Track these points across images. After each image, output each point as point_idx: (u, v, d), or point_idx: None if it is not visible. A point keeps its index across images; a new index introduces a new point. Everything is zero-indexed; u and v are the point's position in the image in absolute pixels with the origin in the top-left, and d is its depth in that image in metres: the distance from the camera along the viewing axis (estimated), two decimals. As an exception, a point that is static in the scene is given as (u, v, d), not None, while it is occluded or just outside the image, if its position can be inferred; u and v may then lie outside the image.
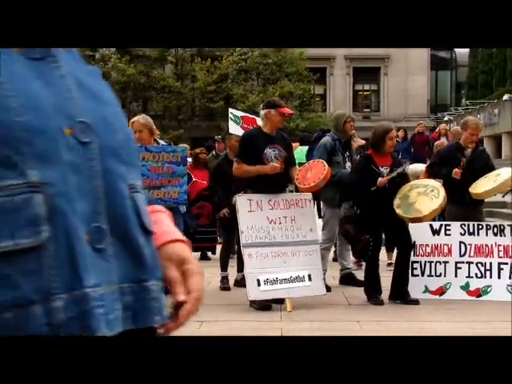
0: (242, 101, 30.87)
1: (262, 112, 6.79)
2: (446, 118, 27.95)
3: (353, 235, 6.96)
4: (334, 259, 9.08)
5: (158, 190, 6.41)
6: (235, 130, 8.33)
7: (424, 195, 6.64)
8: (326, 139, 7.49)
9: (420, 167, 9.49)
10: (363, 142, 9.16)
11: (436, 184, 6.85)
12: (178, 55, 33.23)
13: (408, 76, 34.37)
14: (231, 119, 8.60)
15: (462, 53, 35.03)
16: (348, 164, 7.54)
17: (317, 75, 33.09)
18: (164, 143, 6.93)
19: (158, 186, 6.41)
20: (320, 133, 8.09)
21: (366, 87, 35.99)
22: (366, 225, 6.78)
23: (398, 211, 6.56)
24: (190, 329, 5.07)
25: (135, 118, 6.49)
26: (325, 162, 6.77)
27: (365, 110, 35.00)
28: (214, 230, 9.92)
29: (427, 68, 34.81)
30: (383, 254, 7.69)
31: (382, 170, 6.74)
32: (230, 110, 9.05)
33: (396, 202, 6.61)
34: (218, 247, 10.15)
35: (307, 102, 31.71)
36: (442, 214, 7.67)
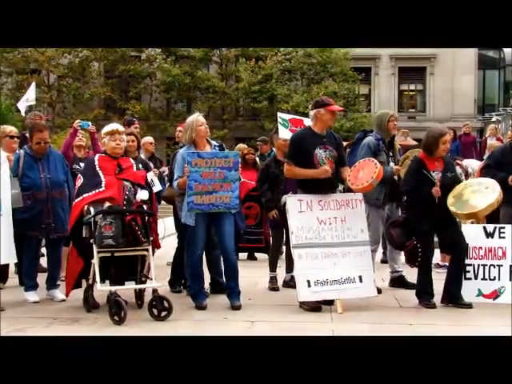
0: (286, 101, 30.83)
1: (312, 112, 6.75)
2: (494, 119, 27.42)
3: (396, 240, 6.87)
4: (383, 261, 8.99)
5: (209, 195, 6.43)
6: (284, 133, 8.29)
7: (479, 192, 6.53)
8: (369, 139, 7.41)
9: (475, 163, 9.37)
10: (415, 142, 9.04)
11: (491, 181, 6.71)
12: (223, 55, 33.34)
13: (455, 76, 33.81)
14: (280, 123, 8.56)
15: (511, 52, 34.31)
16: (392, 164, 7.44)
17: (361, 75, 32.85)
18: (216, 144, 6.94)
19: (210, 192, 6.44)
20: (362, 133, 7.99)
21: (412, 87, 35.51)
22: (413, 230, 6.68)
23: (452, 209, 6.45)
24: (240, 328, 5.06)
25: (197, 114, 6.87)
26: (376, 161, 6.68)
27: (410, 111, 34.57)
28: (260, 231, 9.91)
29: (475, 67, 34.18)
30: (437, 253, 7.54)
31: (433, 174, 6.62)
32: (279, 113, 9.00)
33: (450, 200, 6.50)
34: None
35: (352, 102, 31.50)
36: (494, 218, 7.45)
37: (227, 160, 6.55)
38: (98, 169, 6.36)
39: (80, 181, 6.39)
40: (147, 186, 6.67)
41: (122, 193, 6.28)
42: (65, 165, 7.20)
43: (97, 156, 6.61)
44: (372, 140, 7.35)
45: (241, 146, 10.83)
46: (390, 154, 7.51)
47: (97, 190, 6.22)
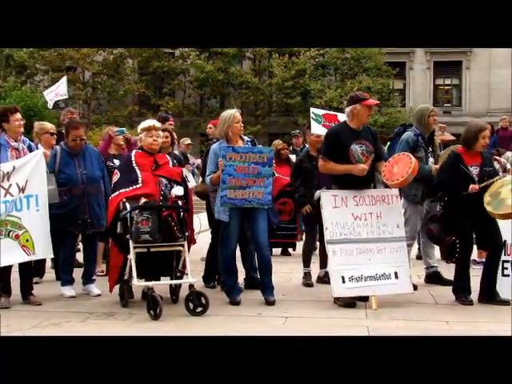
0: (319, 96, 30.72)
1: (348, 109, 6.68)
2: (531, 113, 26.95)
3: (436, 236, 6.79)
4: (418, 257, 8.90)
5: (243, 190, 6.44)
6: (317, 129, 8.23)
7: None
8: (408, 134, 7.32)
9: None
10: (452, 137, 8.92)
11: None
12: (256, 51, 33.34)
13: (491, 69, 33.32)
14: (313, 119, 8.50)
15: (549, 45, 33.63)
16: (431, 160, 7.34)
17: (396, 69, 32.57)
18: (248, 139, 6.94)
19: (244, 187, 6.44)
20: (401, 128, 7.89)
21: (447, 81, 35.09)
22: (452, 225, 6.60)
23: (488, 208, 6.34)
24: (274, 324, 5.05)
25: (235, 110, 6.85)
26: (411, 155, 6.59)
27: (446, 105, 34.17)
28: (294, 227, 9.89)
29: (512, 61, 33.65)
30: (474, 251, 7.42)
31: (471, 169, 6.52)
32: (312, 109, 8.94)
33: (486, 198, 6.39)
34: (297, 243, 10.17)
35: (386, 97, 31.24)
36: None
37: (261, 155, 6.54)
38: (134, 165, 6.39)
39: (116, 176, 6.42)
40: (183, 182, 6.69)
41: (158, 188, 6.31)
42: (101, 161, 7.26)
43: (133, 152, 6.64)
44: (411, 135, 7.27)
45: (276, 142, 10.84)
46: (430, 149, 7.41)
47: (134, 187, 6.24)
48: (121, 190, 6.25)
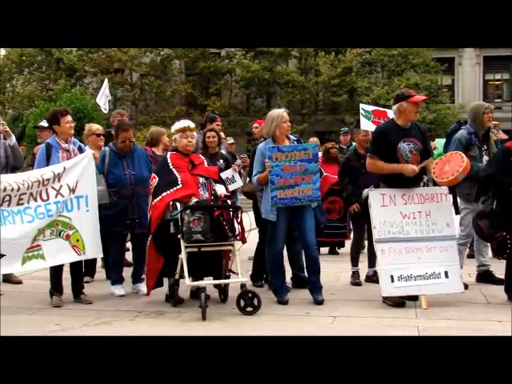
0: (366, 94, 30.49)
1: (394, 107, 6.60)
2: None
3: (485, 232, 6.67)
4: (469, 256, 8.75)
5: (292, 189, 6.42)
6: (367, 125, 8.16)
7: None
8: (461, 133, 7.20)
9: None
10: (505, 136, 8.70)
11: None
12: (302, 50, 33.24)
13: (543, 63, 32.54)
14: (362, 115, 8.41)
15: None
16: (485, 158, 7.19)
17: (444, 65, 32.10)
18: (294, 138, 6.92)
19: (293, 185, 6.42)
20: (457, 125, 7.74)
21: (498, 76, 34.43)
22: (502, 221, 6.45)
23: None
24: (322, 324, 4.99)
25: (282, 109, 6.79)
26: (463, 154, 6.49)
27: (496, 101, 33.45)
28: (344, 225, 9.83)
29: None
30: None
31: None
32: (361, 105, 8.85)
33: None
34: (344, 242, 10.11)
35: (434, 94, 30.82)
36: None
37: (306, 152, 6.52)
38: (171, 167, 6.38)
39: (155, 181, 6.35)
40: (221, 181, 6.69)
41: (209, 188, 6.34)
42: (148, 161, 7.33)
43: (168, 154, 6.61)
44: (464, 134, 7.15)
45: (314, 139, 10.81)
46: (484, 147, 7.26)
47: (175, 188, 6.24)
48: (163, 194, 6.21)
